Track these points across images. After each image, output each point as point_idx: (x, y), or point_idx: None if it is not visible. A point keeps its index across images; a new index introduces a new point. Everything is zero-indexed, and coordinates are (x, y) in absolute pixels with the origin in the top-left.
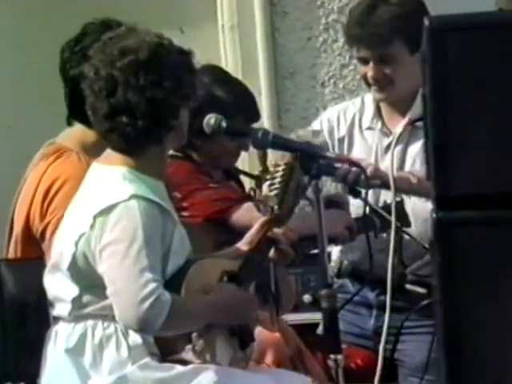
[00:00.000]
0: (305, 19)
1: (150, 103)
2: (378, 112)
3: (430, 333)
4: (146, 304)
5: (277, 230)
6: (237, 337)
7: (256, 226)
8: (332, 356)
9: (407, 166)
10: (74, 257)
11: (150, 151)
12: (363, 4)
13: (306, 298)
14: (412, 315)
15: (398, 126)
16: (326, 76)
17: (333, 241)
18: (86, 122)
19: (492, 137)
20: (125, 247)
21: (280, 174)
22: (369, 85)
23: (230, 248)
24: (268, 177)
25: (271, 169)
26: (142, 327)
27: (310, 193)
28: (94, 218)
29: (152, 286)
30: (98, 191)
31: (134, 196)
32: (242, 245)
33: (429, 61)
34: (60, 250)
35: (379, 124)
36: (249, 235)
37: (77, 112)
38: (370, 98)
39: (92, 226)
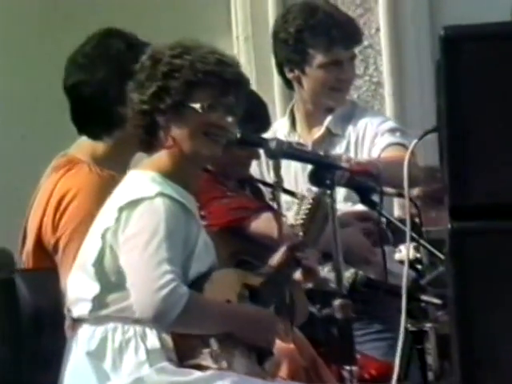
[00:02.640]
0: None
1: None
2: (293, 125)
3: (379, 339)
4: (163, 293)
5: (307, 251)
6: (255, 351)
7: (282, 250)
8: (347, 367)
9: None
10: (100, 251)
11: (176, 158)
12: (319, 9)
13: None
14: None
15: (314, 136)
16: None
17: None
18: (90, 134)
19: (508, 146)
20: (145, 240)
21: (307, 206)
22: (327, 92)
23: None
24: (295, 208)
25: (298, 201)
26: (157, 317)
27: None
28: (120, 210)
29: (169, 276)
30: (126, 189)
31: (160, 194)
32: (268, 267)
33: (443, 71)
34: (87, 248)
35: (296, 137)
36: (274, 258)
37: (81, 125)
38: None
39: (117, 220)
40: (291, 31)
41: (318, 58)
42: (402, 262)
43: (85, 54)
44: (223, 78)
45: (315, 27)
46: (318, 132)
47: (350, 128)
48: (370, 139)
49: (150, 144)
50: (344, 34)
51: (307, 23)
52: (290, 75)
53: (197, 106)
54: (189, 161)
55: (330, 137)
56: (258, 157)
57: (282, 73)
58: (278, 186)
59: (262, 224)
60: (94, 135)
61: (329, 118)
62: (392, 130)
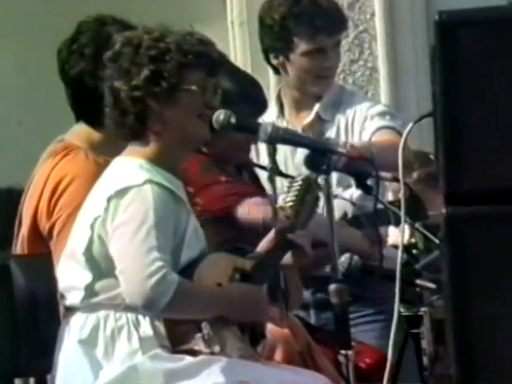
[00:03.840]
0: None
1: None
2: (281, 111)
3: (372, 321)
4: (152, 280)
5: (298, 233)
6: (248, 333)
7: (271, 234)
8: (342, 351)
9: None
10: (90, 240)
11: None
12: None
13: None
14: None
15: (304, 121)
16: None
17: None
18: (91, 122)
19: (502, 132)
20: (134, 228)
21: (297, 188)
22: (313, 79)
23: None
24: (285, 190)
25: (288, 184)
26: (147, 304)
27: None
28: (108, 200)
29: (159, 264)
30: (114, 177)
31: (149, 181)
32: (259, 252)
33: (438, 56)
34: (76, 237)
35: (284, 123)
36: (264, 242)
37: (82, 112)
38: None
39: (106, 209)
40: (276, 18)
41: (302, 46)
42: (396, 247)
43: (84, 43)
44: (211, 58)
45: (299, 15)
46: (307, 118)
47: (339, 113)
48: (359, 123)
49: (138, 132)
50: (328, 22)
51: (291, 11)
52: (274, 61)
53: (193, 87)
54: (180, 145)
55: (320, 123)
56: (256, 141)
57: (267, 59)
58: (275, 171)
59: (248, 210)
60: (97, 124)
61: (318, 104)
62: (382, 114)
